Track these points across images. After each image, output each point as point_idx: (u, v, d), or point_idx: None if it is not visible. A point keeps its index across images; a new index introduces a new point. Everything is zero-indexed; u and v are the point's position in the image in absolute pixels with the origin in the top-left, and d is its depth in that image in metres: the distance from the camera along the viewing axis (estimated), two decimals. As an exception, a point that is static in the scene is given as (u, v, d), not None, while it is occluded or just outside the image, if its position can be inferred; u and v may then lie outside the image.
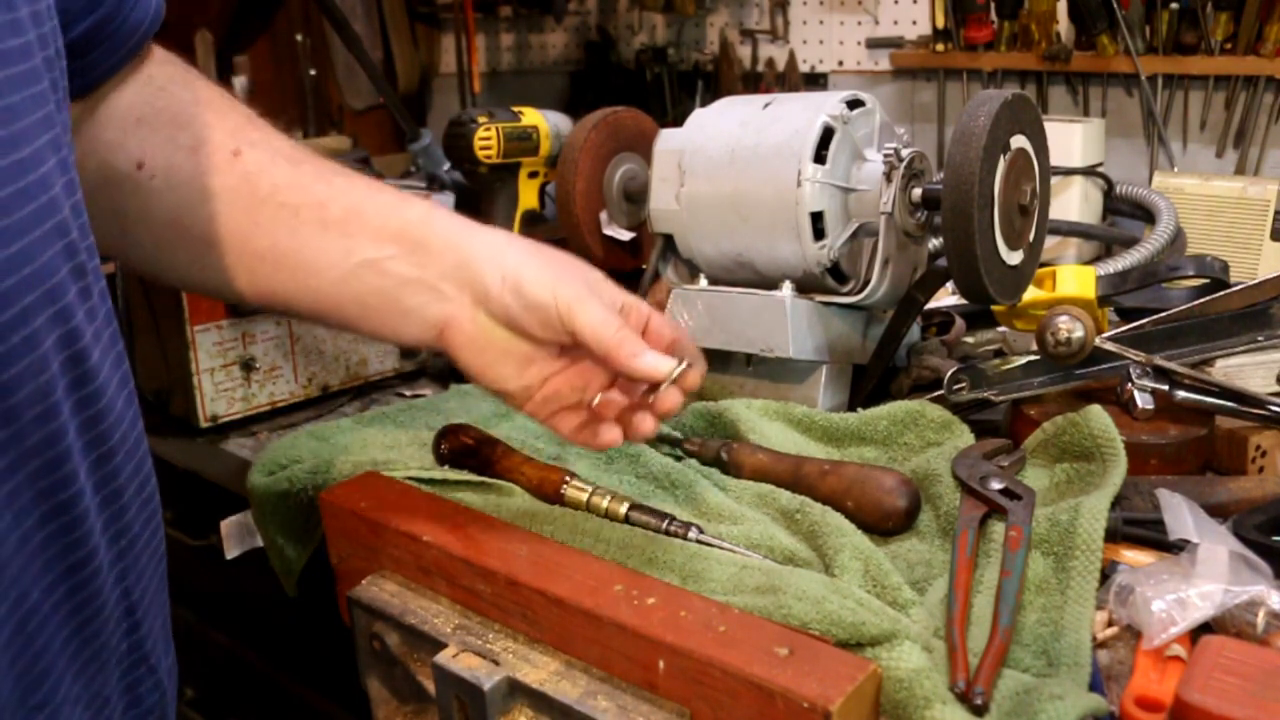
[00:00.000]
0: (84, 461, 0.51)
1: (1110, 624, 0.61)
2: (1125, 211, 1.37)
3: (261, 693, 1.11)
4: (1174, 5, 1.36)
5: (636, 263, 1.12)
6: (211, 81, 0.70)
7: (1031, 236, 0.88)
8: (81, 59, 0.58)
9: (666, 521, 0.70)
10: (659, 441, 0.85)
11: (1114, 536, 0.68)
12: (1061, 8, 1.45)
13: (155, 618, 0.59)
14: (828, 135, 0.90)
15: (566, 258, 0.67)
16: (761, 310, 0.93)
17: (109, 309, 0.54)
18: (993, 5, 1.51)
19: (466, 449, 0.78)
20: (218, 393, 1.01)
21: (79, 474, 0.50)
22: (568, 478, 0.74)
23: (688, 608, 0.58)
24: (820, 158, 0.90)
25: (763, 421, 0.86)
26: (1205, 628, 0.59)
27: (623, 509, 0.71)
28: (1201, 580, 0.59)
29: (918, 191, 0.88)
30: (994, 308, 0.96)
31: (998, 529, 0.68)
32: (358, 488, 0.73)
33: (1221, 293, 0.89)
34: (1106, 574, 0.64)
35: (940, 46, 1.56)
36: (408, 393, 1.11)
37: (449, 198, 1.51)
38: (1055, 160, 0.98)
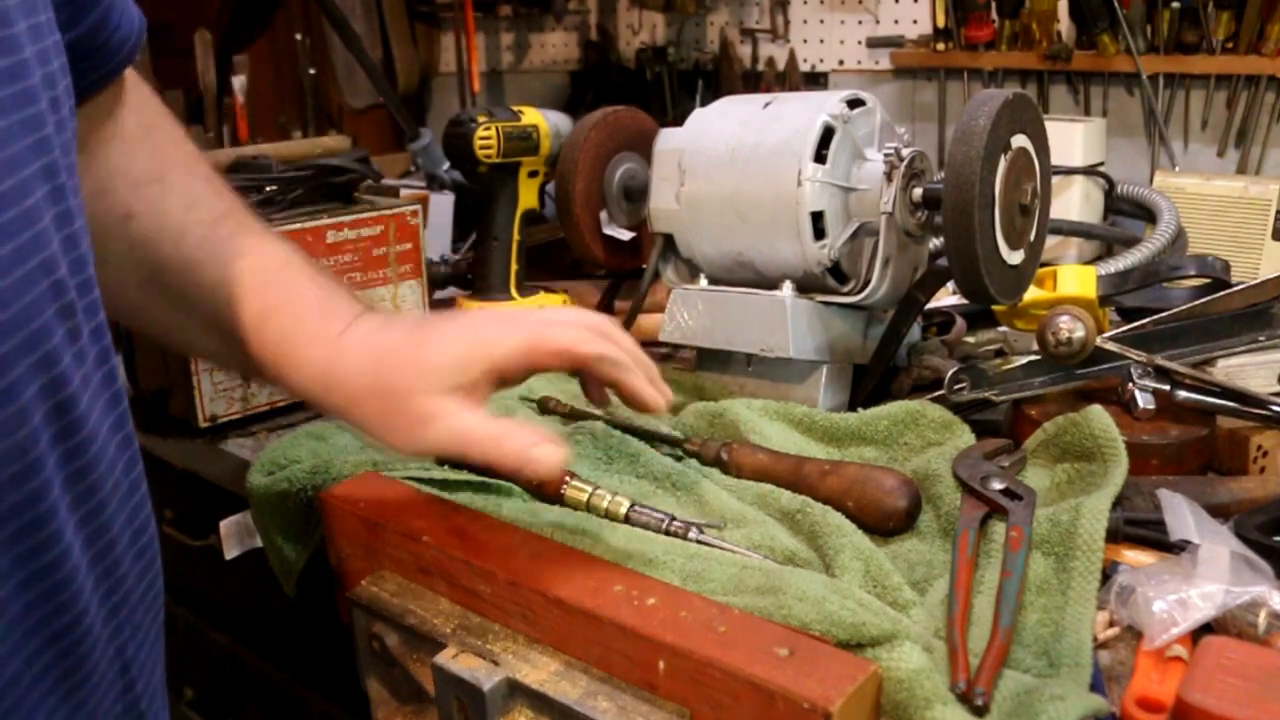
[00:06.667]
0: (71, 518, 0.47)
1: (1111, 624, 0.61)
2: (1126, 211, 1.37)
3: (261, 693, 1.11)
4: (1175, 4, 1.35)
5: (636, 263, 1.12)
6: (183, 140, 0.69)
7: (1032, 236, 0.87)
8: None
9: (667, 521, 0.70)
10: (659, 442, 0.85)
11: (1115, 537, 0.68)
12: (1062, 7, 1.45)
13: (152, 673, 0.56)
14: (828, 135, 0.90)
15: (405, 357, 0.61)
16: (761, 310, 0.93)
17: (102, 348, 0.50)
18: (993, 4, 1.50)
19: (466, 449, 0.78)
20: (217, 393, 1.00)
21: (64, 533, 0.46)
22: (568, 478, 0.73)
23: (688, 608, 0.57)
24: (820, 157, 0.90)
25: (763, 421, 0.86)
26: (1206, 628, 0.59)
27: (623, 509, 0.71)
28: (1203, 581, 0.59)
29: (918, 191, 0.88)
30: (995, 307, 0.96)
31: (998, 529, 0.68)
32: (358, 488, 0.73)
33: (1223, 292, 0.89)
34: (1107, 574, 0.64)
35: (941, 46, 1.56)
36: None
37: (449, 197, 1.52)
38: (1056, 160, 0.98)
